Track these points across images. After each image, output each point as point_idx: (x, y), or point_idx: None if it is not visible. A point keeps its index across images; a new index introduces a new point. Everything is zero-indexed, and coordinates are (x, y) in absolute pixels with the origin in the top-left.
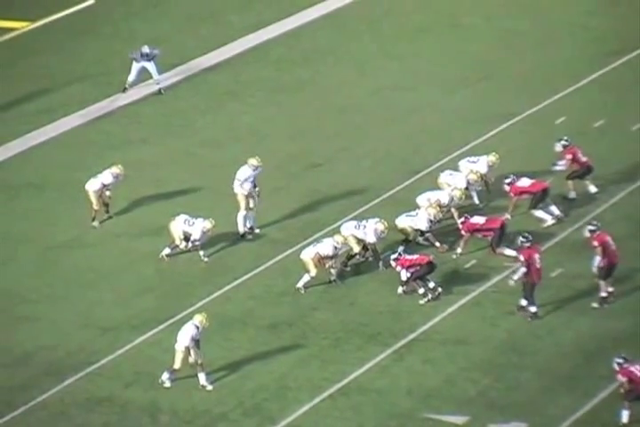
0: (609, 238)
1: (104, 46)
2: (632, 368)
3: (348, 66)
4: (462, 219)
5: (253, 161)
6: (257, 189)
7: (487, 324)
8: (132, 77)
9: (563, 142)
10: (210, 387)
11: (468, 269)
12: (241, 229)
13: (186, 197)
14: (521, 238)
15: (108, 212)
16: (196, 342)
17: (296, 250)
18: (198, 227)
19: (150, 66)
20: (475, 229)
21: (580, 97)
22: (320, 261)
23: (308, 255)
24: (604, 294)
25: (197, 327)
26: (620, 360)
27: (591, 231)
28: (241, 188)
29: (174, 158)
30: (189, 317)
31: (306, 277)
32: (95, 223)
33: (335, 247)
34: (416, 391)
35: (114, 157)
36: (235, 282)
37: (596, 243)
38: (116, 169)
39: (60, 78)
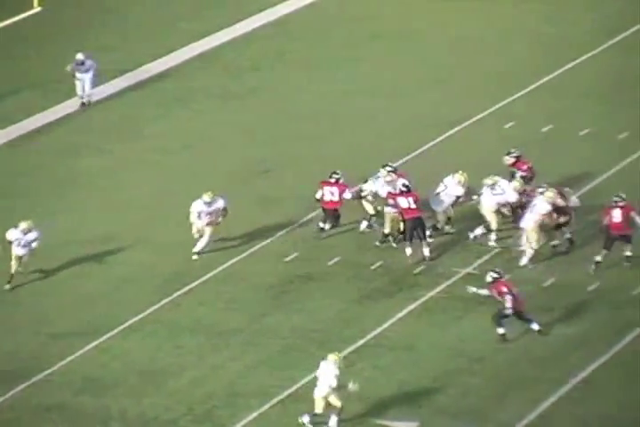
0: (508, 287)
1: (54, 53)
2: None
3: (298, 72)
4: None
5: (205, 197)
6: (220, 220)
7: (437, 329)
8: (80, 91)
9: (513, 155)
10: None
11: (418, 275)
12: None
13: (136, 203)
14: (492, 274)
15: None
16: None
17: (245, 256)
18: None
19: (87, 77)
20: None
21: (529, 102)
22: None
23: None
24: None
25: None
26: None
27: (493, 278)
28: (198, 220)
29: (124, 165)
30: (140, 323)
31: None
32: (7, 286)
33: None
34: (366, 397)
35: (64, 163)
36: (184, 288)
37: (494, 291)
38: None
39: (9, 85)
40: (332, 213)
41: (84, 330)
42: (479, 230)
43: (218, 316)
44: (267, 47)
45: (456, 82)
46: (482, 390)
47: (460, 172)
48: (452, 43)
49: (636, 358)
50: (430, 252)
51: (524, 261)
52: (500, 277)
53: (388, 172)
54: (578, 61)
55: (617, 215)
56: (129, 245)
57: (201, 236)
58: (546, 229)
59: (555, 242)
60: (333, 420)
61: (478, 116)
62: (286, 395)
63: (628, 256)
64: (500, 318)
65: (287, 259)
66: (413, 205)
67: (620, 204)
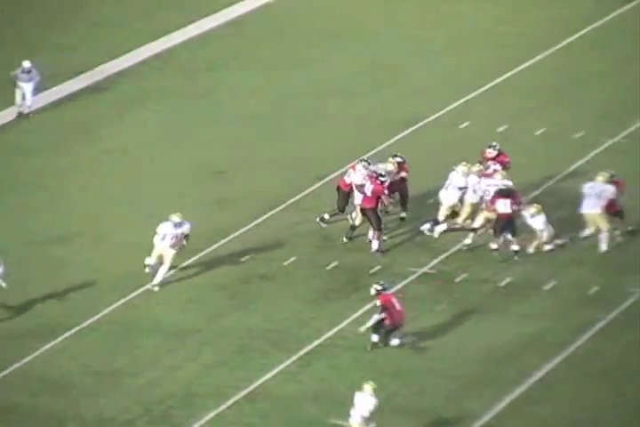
0: (394, 300)
1: (8, 54)
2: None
3: (254, 73)
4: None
5: (175, 218)
6: (184, 243)
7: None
8: (19, 99)
9: (496, 147)
10: None
11: (374, 275)
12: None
13: (91, 204)
14: (376, 286)
15: None
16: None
17: (202, 256)
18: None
19: (28, 88)
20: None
21: (484, 102)
22: None
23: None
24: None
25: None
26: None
27: (377, 291)
28: (161, 241)
29: (79, 166)
30: (96, 323)
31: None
32: None
33: None
34: (322, 397)
35: (19, 164)
36: (141, 289)
37: (379, 302)
38: None
39: None
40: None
41: (40, 331)
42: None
43: (175, 316)
44: (222, 47)
45: (411, 82)
46: (438, 389)
47: (464, 163)
48: (406, 42)
49: (593, 357)
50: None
51: (603, 247)
52: (384, 290)
53: (398, 163)
54: (533, 61)
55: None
56: (83, 246)
57: (160, 263)
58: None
59: (495, 246)
60: None
61: (433, 117)
62: (242, 395)
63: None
64: (386, 334)
65: (243, 259)
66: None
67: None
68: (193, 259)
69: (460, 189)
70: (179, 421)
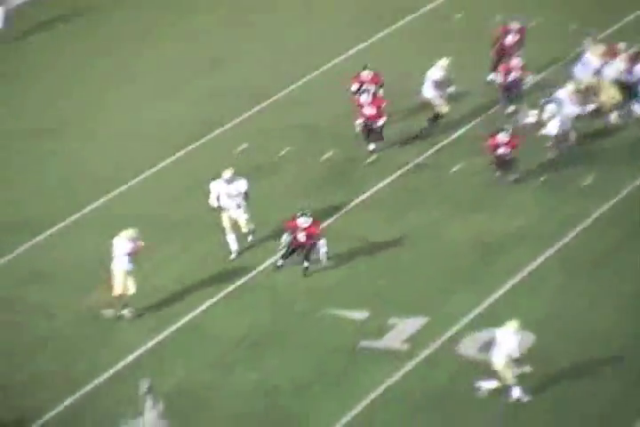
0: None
1: None
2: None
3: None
4: None
5: (226, 173)
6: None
7: (383, 224)
8: None
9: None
10: None
11: (368, 166)
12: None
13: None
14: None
15: None
16: None
17: (192, 148)
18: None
19: None
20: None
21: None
22: None
23: None
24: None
25: None
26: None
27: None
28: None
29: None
30: (82, 218)
31: None
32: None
33: None
34: (315, 289)
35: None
36: (133, 181)
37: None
38: None
39: None
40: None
41: (29, 224)
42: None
43: (163, 208)
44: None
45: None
46: (431, 281)
47: (445, 58)
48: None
49: (582, 251)
50: None
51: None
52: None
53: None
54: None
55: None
56: (73, 139)
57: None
58: None
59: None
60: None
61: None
62: (233, 288)
63: None
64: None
65: (235, 151)
66: None
67: None
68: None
69: (435, 82)
70: (169, 312)
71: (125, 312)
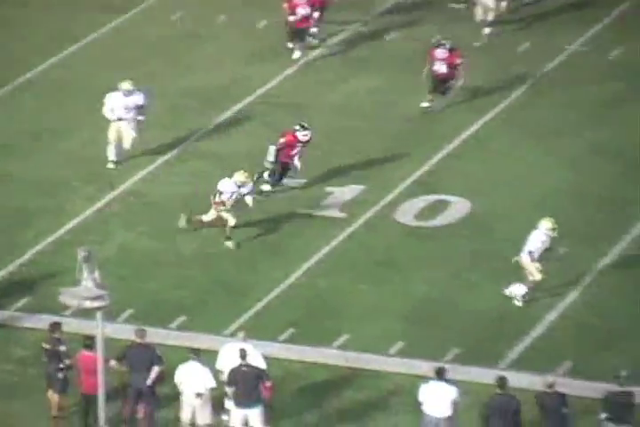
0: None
1: None
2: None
3: None
4: None
5: (238, 176)
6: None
7: (324, 88)
8: None
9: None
10: None
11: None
12: None
13: None
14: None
15: None
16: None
17: None
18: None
19: None
20: None
21: None
22: None
23: None
24: None
25: None
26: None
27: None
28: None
29: None
30: (28, 82)
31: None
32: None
33: None
34: (254, 156)
35: None
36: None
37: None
38: None
39: None
40: None
41: None
42: None
43: (107, 74)
44: None
45: None
46: (372, 147)
47: None
48: None
49: (524, 110)
50: None
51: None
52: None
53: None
54: None
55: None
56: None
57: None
58: None
59: None
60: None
61: None
62: (174, 155)
63: None
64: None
65: (173, 17)
66: None
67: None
68: None
69: None
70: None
71: None
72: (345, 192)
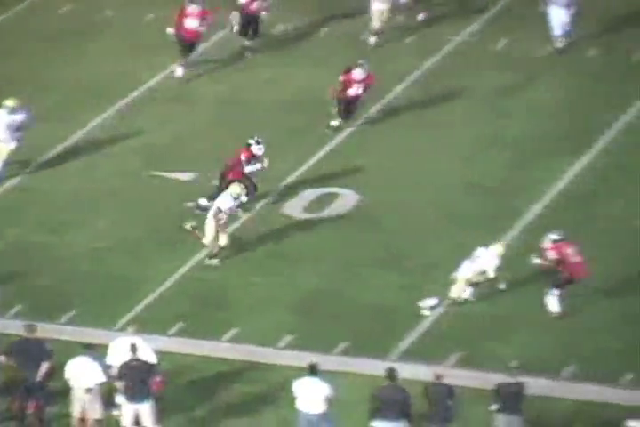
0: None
1: None
2: (566, 247)
3: None
4: None
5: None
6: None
7: (210, 81)
8: None
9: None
10: None
11: None
12: None
13: None
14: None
15: None
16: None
17: None
18: None
19: None
20: None
21: None
22: None
23: None
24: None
25: None
26: (556, 237)
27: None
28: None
29: None
30: None
31: None
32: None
33: None
34: (145, 151)
35: None
36: None
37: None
38: None
39: None
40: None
41: None
42: None
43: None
44: None
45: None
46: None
47: None
48: None
49: (410, 103)
50: None
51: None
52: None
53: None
54: None
55: None
56: None
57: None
58: None
59: None
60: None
61: None
62: (61, 149)
63: None
64: None
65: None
66: None
67: None
68: None
69: None
70: None
71: None
72: None
